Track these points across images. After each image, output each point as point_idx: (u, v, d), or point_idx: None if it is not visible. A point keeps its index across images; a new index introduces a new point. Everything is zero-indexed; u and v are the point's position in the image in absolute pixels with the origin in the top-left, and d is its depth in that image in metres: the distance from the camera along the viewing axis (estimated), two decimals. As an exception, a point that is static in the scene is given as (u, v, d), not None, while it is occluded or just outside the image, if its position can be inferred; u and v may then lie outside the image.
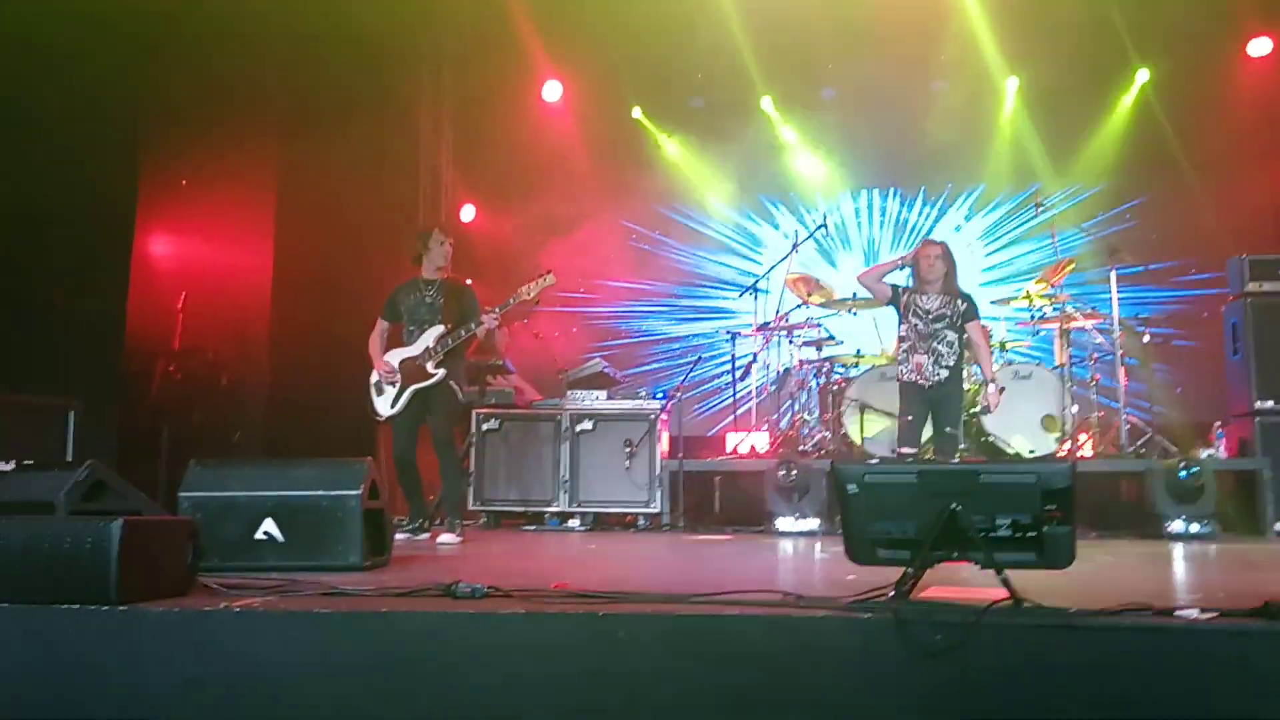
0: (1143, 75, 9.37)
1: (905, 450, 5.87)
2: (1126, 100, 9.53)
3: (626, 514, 7.10)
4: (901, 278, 6.09)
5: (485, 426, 7.20)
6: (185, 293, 7.07)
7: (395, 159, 9.25)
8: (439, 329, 5.67)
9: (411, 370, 5.66)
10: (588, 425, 7.11)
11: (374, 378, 5.78)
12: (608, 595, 2.65)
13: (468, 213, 10.50)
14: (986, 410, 6.25)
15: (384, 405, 5.72)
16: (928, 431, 5.95)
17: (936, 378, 5.78)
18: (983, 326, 6.05)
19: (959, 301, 5.89)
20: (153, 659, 2.52)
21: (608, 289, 10.51)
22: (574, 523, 6.99)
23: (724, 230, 10.58)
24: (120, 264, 6.47)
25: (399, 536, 5.11)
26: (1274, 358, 6.26)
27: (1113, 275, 7.08)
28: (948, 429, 5.82)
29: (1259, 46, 9.12)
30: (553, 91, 10.04)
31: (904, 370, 5.91)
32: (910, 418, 5.86)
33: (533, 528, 7.03)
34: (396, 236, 7.24)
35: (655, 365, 10.24)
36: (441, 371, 5.61)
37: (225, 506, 3.66)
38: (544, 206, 10.25)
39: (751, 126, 10.10)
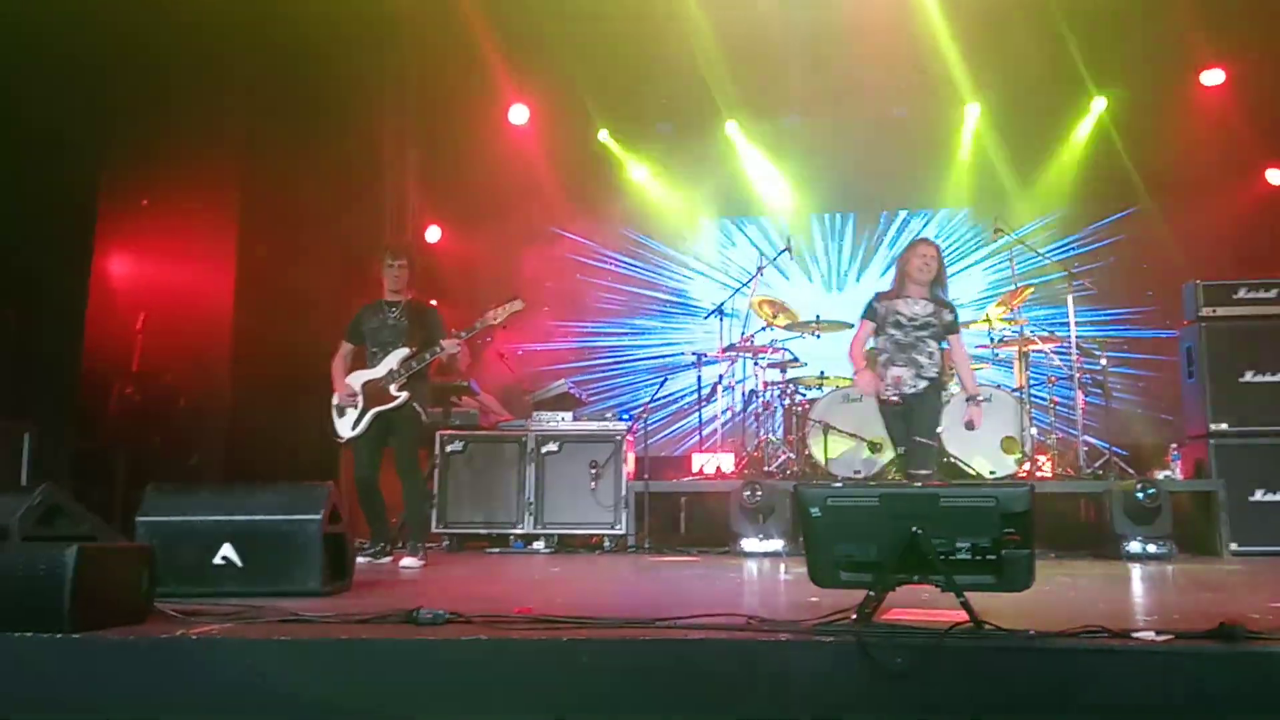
0: (1100, 103, 9.58)
1: (919, 472, 5.55)
2: (1084, 127, 9.75)
3: (592, 536, 7.08)
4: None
5: (449, 448, 7.15)
6: (144, 314, 6.98)
7: (360, 180, 9.22)
8: (403, 351, 5.64)
9: (374, 392, 5.62)
10: (553, 447, 7.09)
11: (336, 399, 5.73)
12: (572, 620, 2.64)
13: (433, 234, 10.48)
14: (970, 427, 6.02)
15: (345, 427, 5.68)
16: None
17: (912, 389, 5.53)
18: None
19: (945, 311, 5.63)
20: (108, 688, 2.46)
21: (574, 311, 10.54)
22: (539, 545, 6.96)
23: (690, 253, 10.65)
24: (78, 284, 6.36)
25: (360, 560, 5.05)
26: (1227, 381, 6.39)
27: (1070, 299, 7.21)
28: (918, 438, 5.55)
29: (1212, 77, 9.37)
30: (519, 114, 10.07)
31: (880, 390, 5.60)
32: (904, 450, 5.64)
33: (497, 550, 6.98)
34: (360, 258, 7.21)
35: (621, 386, 10.26)
36: (404, 394, 5.58)
37: (183, 531, 3.61)
38: (511, 229, 10.27)
39: (717, 151, 10.20)
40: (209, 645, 2.50)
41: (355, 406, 5.64)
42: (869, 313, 5.74)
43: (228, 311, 7.68)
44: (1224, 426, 6.34)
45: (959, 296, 10.02)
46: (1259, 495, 6.19)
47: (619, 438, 7.05)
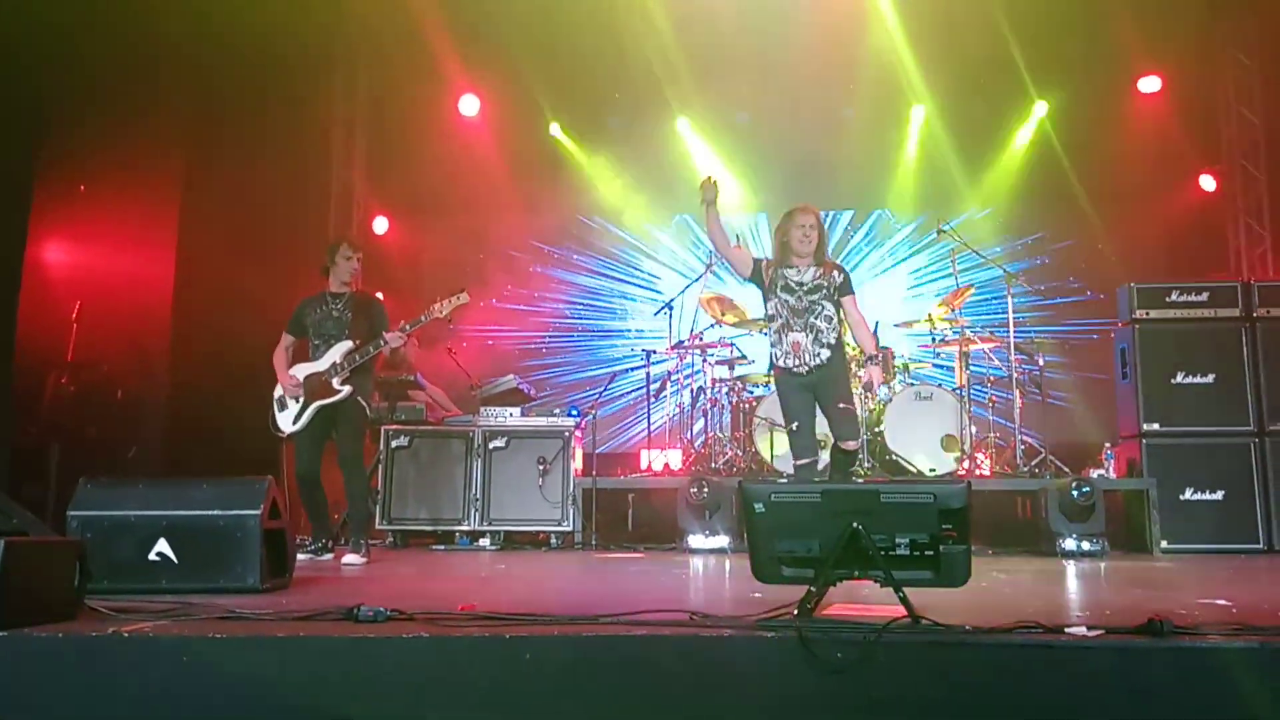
0: (1041, 108, 9.79)
1: (802, 462, 5.11)
2: (1026, 131, 9.95)
3: (539, 532, 7.06)
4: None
5: (394, 443, 7.07)
6: (80, 302, 6.78)
7: (305, 168, 9.06)
8: (346, 344, 5.56)
9: (317, 386, 5.53)
10: (500, 443, 7.05)
11: (278, 393, 5.63)
12: (515, 617, 2.63)
13: (380, 225, 10.35)
14: (869, 387, 5.73)
15: (286, 421, 5.58)
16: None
17: (816, 359, 5.07)
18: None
19: (835, 273, 5.22)
20: (37, 687, 2.40)
21: (524, 305, 10.49)
22: (485, 542, 6.92)
23: (641, 249, 10.66)
24: (10, 272, 6.16)
25: (301, 557, 4.98)
26: (1159, 382, 6.58)
27: (1010, 301, 7.36)
28: (841, 405, 5.14)
29: (1149, 84, 9.62)
30: (470, 106, 9.99)
31: (778, 354, 5.16)
32: (797, 424, 5.11)
33: (442, 547, 6.93)
34: (305, 248, 7.09)
35: (571, 383, 10.24)
36: (347, 388, 5.50)
37: (117, 526, 3.53)
38: (460, 221, 10.19)
39: (668, 147, 10.22)
40: (141, 643, 2.44)
41: (298, 399, 5.55)
42: (759, 264, 5.29)
43: (167, 300, 7.51)
44: (1155, 427, 6.52)
45: (904, 294, 10.21)
46: (1188, 494, 6.38)
47: (567, 434, 7.04)
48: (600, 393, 7.90)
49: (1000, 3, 8.47)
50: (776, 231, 5.32)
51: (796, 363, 5.10)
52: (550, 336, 10.53)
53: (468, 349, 9.27)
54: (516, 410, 7.25)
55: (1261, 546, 6.23)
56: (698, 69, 9.33)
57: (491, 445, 7.04)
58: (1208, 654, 2.29)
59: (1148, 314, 6.68)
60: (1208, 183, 9.89)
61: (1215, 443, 6.43)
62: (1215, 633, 2.36)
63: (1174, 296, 6.68)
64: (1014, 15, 8.54)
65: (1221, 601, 3.48)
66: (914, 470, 6.97)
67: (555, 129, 10.28)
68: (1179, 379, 6.54)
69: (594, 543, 6.82)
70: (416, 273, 9.78)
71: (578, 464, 7.12)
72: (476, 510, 6.95)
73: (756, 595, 3.02)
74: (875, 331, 7.43)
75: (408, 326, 5.66)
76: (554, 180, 10.25)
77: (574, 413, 7.32)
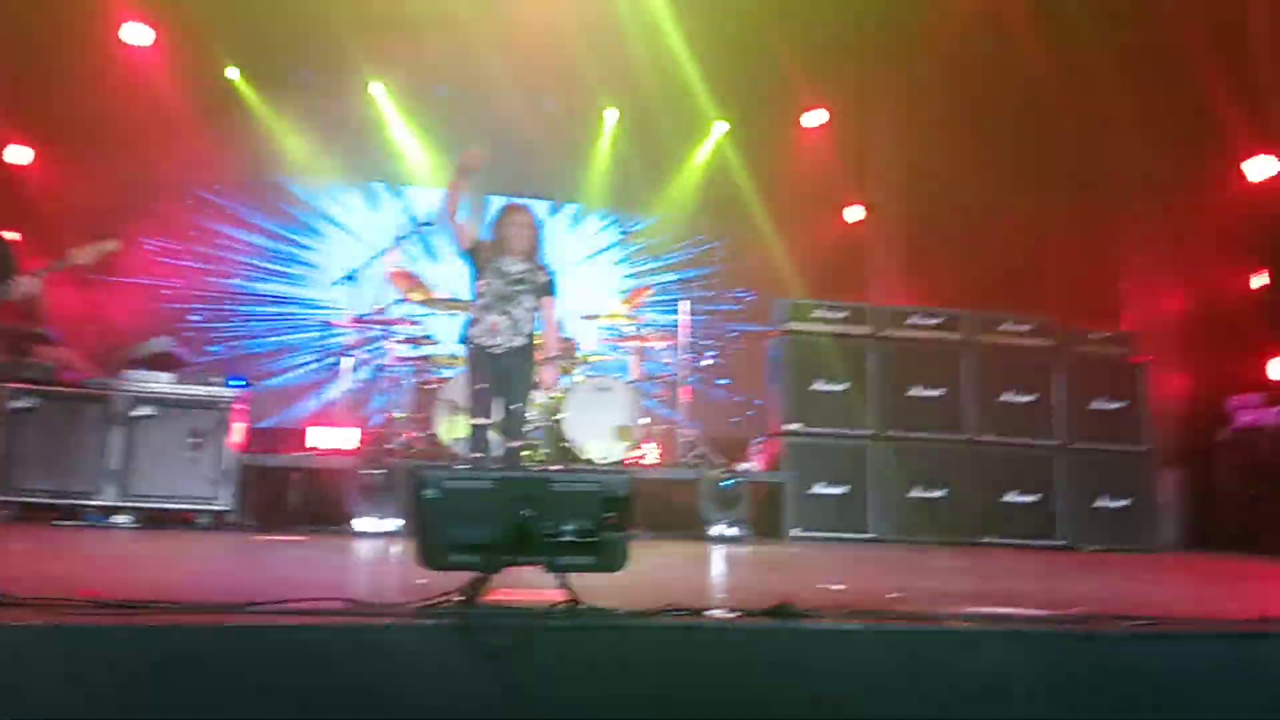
0: (721, 127, 10.53)
1: (479, 422, 5.44)
2: (706, 148, 10.66)
3: (187, 511, 6.48)
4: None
5: (17, 404, 6.18)
6: None
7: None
8: (-40, 288, 4.77)
9: (-84, 334, 4.70)
10: (148, 410, 6.39)
11: None
12: (148, 604, 2.39)
13: (19, 154, 8.99)
14: (538, 385, 5.89)
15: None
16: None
17: (510, 344, 5.42)
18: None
19: (540, 272, 5.57)
20: None
21: (186, 260, 9.59)
22: (122, 519, 6.24)
23: (324, 213, 10.12)
24: None
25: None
26: (803, 387, 7.32)
27: (683, 304, 7.85)
28: (514, 405, 5.49)
29: (815, 117, 10.67)
30: (137, 34, 8.95)
31: (476, 331, 5.48)
32: (481, 386, 5.43)
33: (69, 523, 6.16)
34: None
35: (236, 349, 9.51)
36: (-41, 338, 4.73)
37: None
38: (119, 160, 9.09)
39: (361, 110, 9.80)
40: None
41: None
42: (479, 245, 5.59)
43: None
44: (796, 427, 7.26)
45: (589, 289, 10.54)
46: (817, 488, 7.17)
47: (226, 405, 6.52)
48: (269, 363, 7.40)
49: (686, 25, 8.99)
50: (495, 225, 5.61)
51: (492, 341, 5.41)
52: (216, 298, 9.71)
53: (116, 304, 8.31)
54: (169, 376, 6.60)
55: (872, 537, 7.13)
56: (397, 34, 9.02)
57: (137, 413, 6.36)
58: (824, 634, 2.58)
59: (798, 325, 7.42)
60: (853, 213, 11.17)
61: (841, 444, 7.27)
62: (831, 615, 2.67)
63: (820, 312, 7.47)
64: (697, 38, 9.10)
65: (837, 586, 3.94)
66: (588, 458, 7.23)
67: (233, 73, 9.48)
68: (817, 386, 7.32)
69: (250, 523, 6.38)
70: (67, 212, 8.59)
71: (237, 438, 6.63)
72: (113, 484, 6.25)
73: (421, 582, 2.98)
74: (559, 331, 7.65)
75: (42, 272, 4.97)
76: (231, 130, 9.45)
77: (236, 382, 6.79)
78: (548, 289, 5.59)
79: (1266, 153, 7.76)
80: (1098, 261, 8.81)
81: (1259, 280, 7.93)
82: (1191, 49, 7.54)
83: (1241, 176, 7.87)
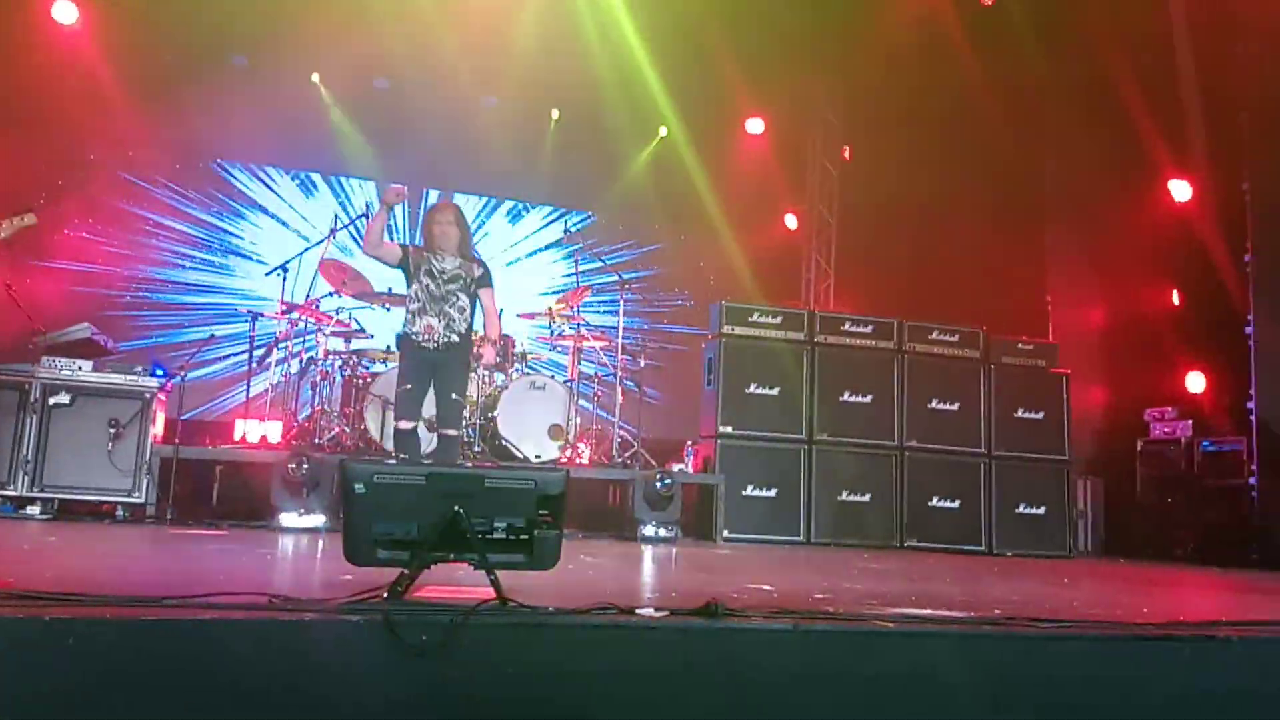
0: (663, 131, 10.57)
1: (403, 425, 5.48)
2: (650, 150, 10.70)
3: (104, 503, 6.28)
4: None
5: (-79, 390, 5.92)
6: None
7: None
8: None
9: None
10: (64, 398, 6.17)
11: None
12: (59, 597, 2.31)
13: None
14: (478, 358, 6.20)
15: None
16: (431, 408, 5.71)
17: (446, 340, 5.47)
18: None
19: (475, 266, 5.64)
20: None
21: (111, 245, 9.28)
22: (34, 510, 6.02)
23: (258, 203, 9.91)
24: None
25: None
26: (737, 391, 7.38)
27: (621, 304, 7.86)
28: (453, 395, 5.55)
29: (754, 125, 10.79)
30: (65, 13, 8.68)
31: (410, 330, 5.50)
32: (409, 386, 5.49)
33: (-23, 515, 5.92)
34: None
35: (160, 339, 9.24)
36: None
37: None
38: (48, 136, 8.77)
39: (300, 98, 9.61)
40: None
41: None
42: (406, 250, 5.64)
43: None
44: (730, 430, 7.31)
45: (528, 287, 10.49)
46: (749, 490, 7.23)
47: (148, 395, 6.33)
48: (193, 354, 7.16)
49: (632, 29, 9.02)
50: (422, 225, 5.78)
51: (426, 339, 5.45)
52: (142, 285, 9.43)
53: (32, 285, 8.01)
54: (88, 363, 6.38)
55: (801, 539, 7.22)
56: (335, 21, 8.86)
57: (52, 401, 6.14)
58: (752, 633, 2.61)
59: (733, 330, 7.47)
60: (791, 221, 11.32)
61: (774, 447, 7.34)
62: (759, 615, 2.70)
63: (755, 317, 7.54)
64: (642, 42, 9.13)
65: (766, 586, 3.98)
66: (521, 456, 7.19)
67: (168, 56, 9.22)
68: (752, 389, 7.38)
69: (170, 517, 6.20)
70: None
71: (158, 429, 6.44)
72: (26, 474, 6.03)
73: (346, 578, 2.93)
74: (499, 318, 7.60)
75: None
76: (165, 114, 9.17)
77: (159, 372, 6.59)
78: (484, 280, 5.67)
79: (1183, 178, 8.06)
80: (1026, 274, 9.06)
81: (1176, 297, 8.24)
82: (1120, 76, 7.81)
83: (1163, 198, 8.16)
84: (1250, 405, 7.44)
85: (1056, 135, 8.88)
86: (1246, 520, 7.34)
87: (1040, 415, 7.84)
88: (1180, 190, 8.11)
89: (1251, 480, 7.39)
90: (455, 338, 5.50)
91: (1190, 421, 7.90)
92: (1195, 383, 8.05)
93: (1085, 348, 8.48)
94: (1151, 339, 8.17)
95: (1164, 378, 8.16)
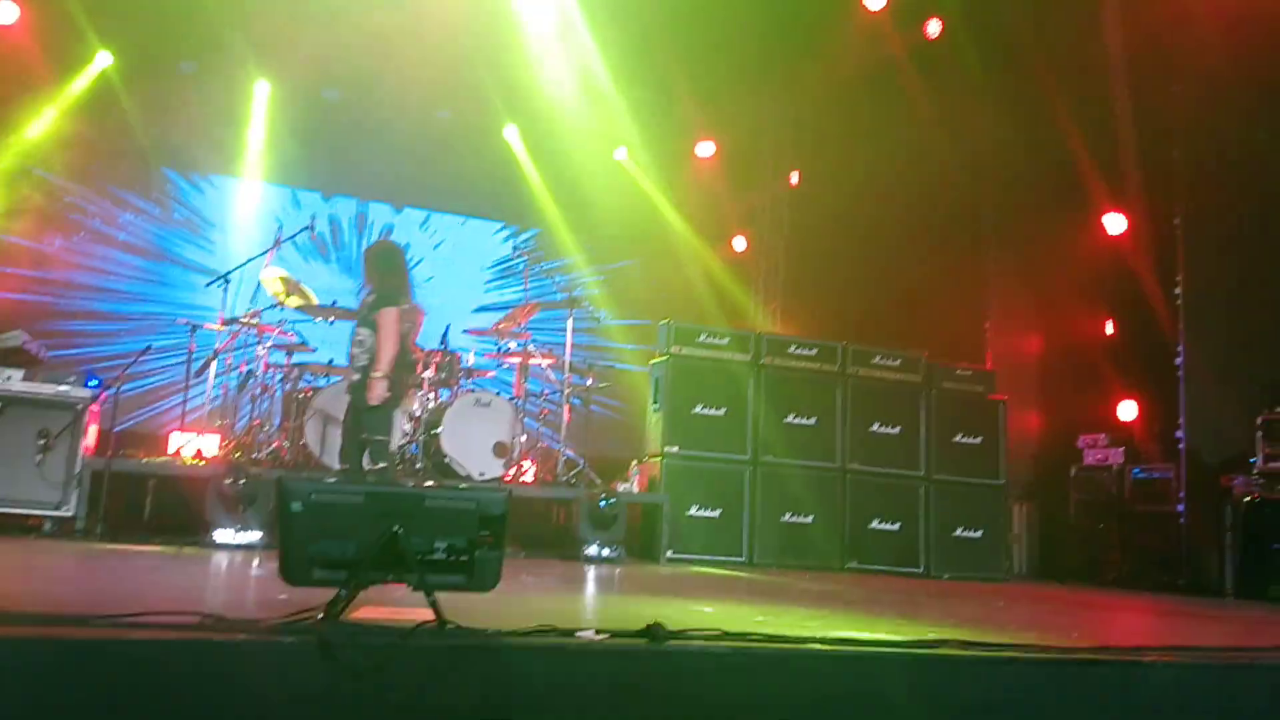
0: (620, 152, 10.64)
1: (377, 468, 5.62)
2: (602, 169, 10.72)
3: (31, 516, 6.07)
4: None
5: None
6: None
7: None
8: None
9: None
10: (-8, 409, 5.98)
11: None
12: (-20, 617, 2.24)
13: None
14: (367, 400, 5.79)
15: None
16: None
17: (352, 379, 5.56)
18: (394, 310, 5.50)
19: (371, 294, 5.61)
20: None
21: (42, 252, 9.03)
22: (-45, 524, 5.81)
23: (200, 212, 9.73)
24: None
25: None
26: (683, 410, 7.41)
27: (570, 323, 7.85)
28: (378, 437, 5.57)
29: (705, 149, 10.91)
30: (5, 12, 8.49)
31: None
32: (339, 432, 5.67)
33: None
34: None
35: (95, 349, 9.00)
36: None
37: None
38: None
39: (247, 107, 9.48)
40: None
41: None
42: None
43: None
44: (675, 449, 7.33)
45: (477, 302, 10.45)
46: (694, 510, 7.25)
47: (81, 406, 6.16)
48: (129, 365, 6.97)
49: (586, 46, 9.07)
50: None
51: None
52: (77, 293, 9.19)
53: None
54: (18, 373, 6.18)
55: (744, 559, 7.26)
56: (289, 33, 8.77)
57: (-21, 411, 5.94)
58: (693, 656, 2.61)
59: (681, 350, 7.50)
60: (740, 243, 11.44)
61: (719, 468, 7.37)
62: (699, 637, 2.71)
63: (703, 338, 7.58)
64: (598, 61, 9.18)
65: (708, 609, 4.00)
66: (465, 474, 7.12)
67: (106, 58, 9.03)
68: (698, 409, 7.42)
69: (100, 532, 6.03)
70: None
71: (90, 441, 6.27)
72: (-51, 486, 5.82)
73: (282, 597, 2.88)
74: (445, 334, 7.56)
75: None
76: (106, 114, 8.98)
77: (93, 383, 6.41)
78: (379, 304, 5.53)
79: (1118, 211, 8.32)
80: (966, 301, 9.25)
81: (1110, 327, 8.47)
82: (1059, 111, 8.05)
83: (1098, 230, 8.41)
84: (1179, 434, 7.67)
85: (997, 167, 9.11)
86: (1174, 546, 7.55)
87: (978, 440, 7.99)
88: (1115, 223, 8.35)
89: (1179, 508, 7.60)
90: (357, 375, 5.52)
91: (1122, 449, 8.11)
92: (1127, 411, 8.27)
93: (1022, 374, 8.68)
94: (1085, 367, 8.38)
95: (1097, 405, 8.37)
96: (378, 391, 5.46)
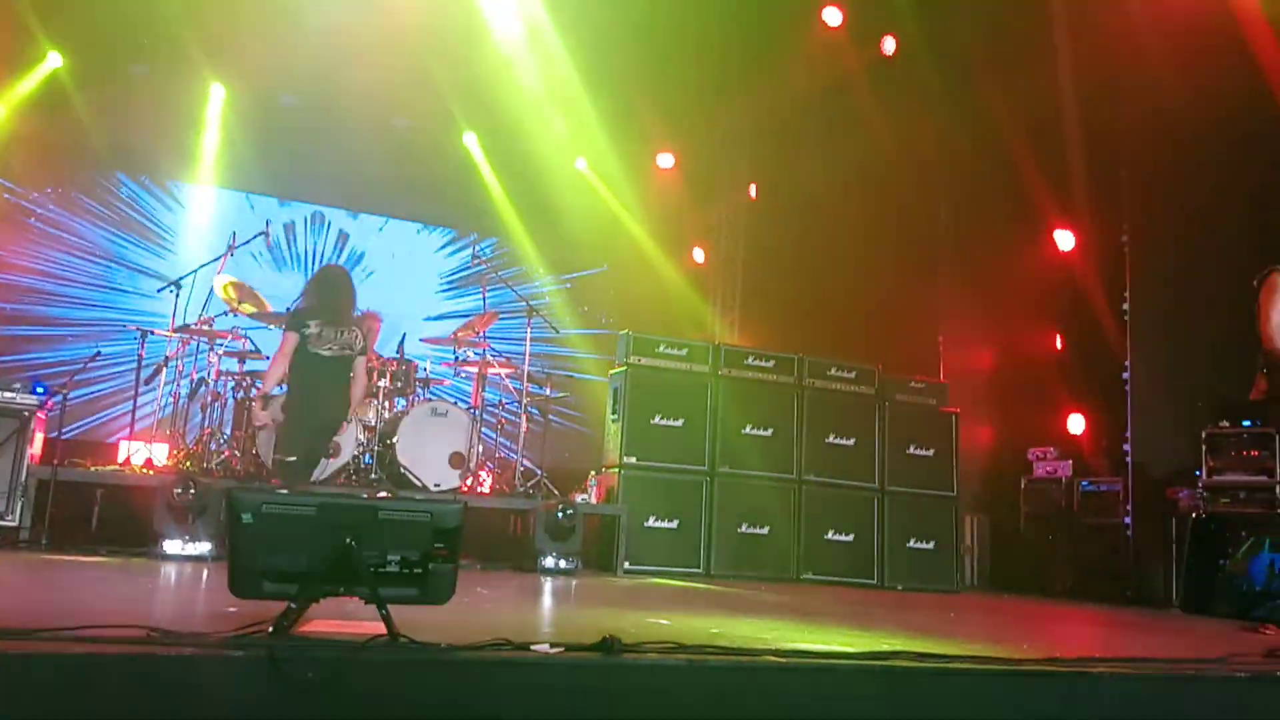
0: (580, 163, 10.65)
1: (288, 459, 5.81)
2: (563, 178, 10.73)
3: (-29, 527, 5.91)
4: None
5: None
6: None
7: None
8: None
9: None
10: (-68, 416, 5.82)
11: None
12: (-84, 631, 2.18)
13: None
14: (259, 425, 6.27)
15: None
16: None
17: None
18: (291, 336, 5.68)
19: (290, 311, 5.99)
20: None
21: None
22: (-108, 534, 5.64)
23: (150, 216, 9.56)
24: None
25: None
26: (642, 421, 7.40)
27: (529, 332, 7.84)
28: (289, 459, 5.82)
29: (665, 160, 10.96)
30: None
31: None
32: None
33: None
34: None
35: (42, 354, 8.81)
36: None
37: None
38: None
39: (201, 111, 9.35)
40: None
41: None
42: None
43: None
44: (633, 460, 7.33)
45: (434, 311, 10.37)
46: (651, 521, 7.25)
47: (27, 413, 6.02)
48: (77, 371, 6.83)
49: (546, 55, 9.08)
50: None
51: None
52: (23, 297, 8.98)
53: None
54: (-40, 380, 6.04)
55: (701, 571, 7.27)
56: (245, 37, 8.67)
57: (-82, 418, 5.78)
58: (647, 669, 2.61)
59: (639, 360, 7.51)
60: (699, 254, 11.51)
61: (677, 479, 7.38)
62: (654, 650, 2.71)
63: (661, 349, 7.60)
64: (559, 70, 9.19)
65: (663, 621, 4.00)
66: (420, 484, 7.06)
67: (56, 60, 8.86)
68: (656, 420, 7.42)
69: (45, 542, 5.88)
70: None
71: (37, 449, 6.12)
72: (-116, 495, 5.64)
73: (231, 610, 2.83)
74: (402, 343, 7.51)
75: None
76: (53, 117, 8.81)
77: (39, 389, 6.27)
78: (286, 325, 5.79)
79: (1067, 228, 8.49)
80: (920, 315, 9.38)
81: (1059, 342, 8.64)
82: (1011, 131, 8.21)
83: (1048, 247, 8.57)
84: (1126, 448, 7.83)
85: (951, 184, 9.26)
86: (1122, 559, 7.70)
87: (931, 452, 8.09)
88: (1064, 240, 8.52)
89: (1126, 520, 7.75)
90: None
91: (1071, 461, 8.25)
92: (1076, 424, 8.43)
93: (974, 387, 8.81)
94: (1036, 381, 8.53)
95: (1047, 419, 8.51)
96: (255, 411, 5.78)
